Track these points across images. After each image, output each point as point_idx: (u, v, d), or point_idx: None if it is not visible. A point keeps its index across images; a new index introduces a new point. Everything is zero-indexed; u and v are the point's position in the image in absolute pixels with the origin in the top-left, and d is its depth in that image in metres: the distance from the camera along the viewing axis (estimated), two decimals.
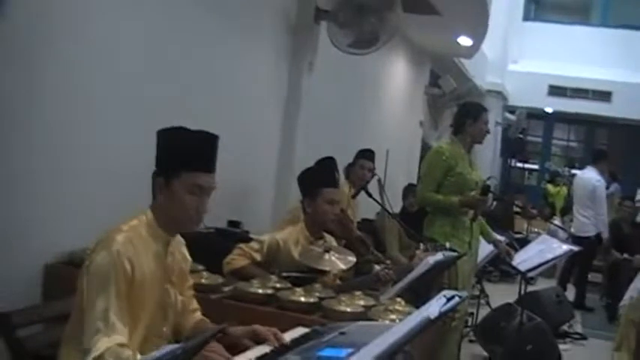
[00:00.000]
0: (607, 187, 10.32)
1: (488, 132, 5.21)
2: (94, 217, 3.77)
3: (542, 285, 8.84)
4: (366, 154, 6.52)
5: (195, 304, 2.96)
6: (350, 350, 2.23)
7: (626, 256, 9.22)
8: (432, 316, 1.96)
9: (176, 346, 1.64)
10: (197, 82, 5.09)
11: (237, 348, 2.60)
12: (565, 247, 5.69)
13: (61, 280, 3.53)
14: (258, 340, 2.66)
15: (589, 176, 9.77)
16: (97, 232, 2.62)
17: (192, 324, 2.90)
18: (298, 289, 3.54)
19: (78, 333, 2.47)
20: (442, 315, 2.02)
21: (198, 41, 5.02)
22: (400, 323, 1.98)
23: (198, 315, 2.95)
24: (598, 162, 9.75)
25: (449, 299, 2.15)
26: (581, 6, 19.86)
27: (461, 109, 5.32)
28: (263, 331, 2.68)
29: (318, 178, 4.34)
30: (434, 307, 2.02)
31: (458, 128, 5.17)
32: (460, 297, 2.25)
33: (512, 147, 17.57)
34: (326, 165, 4.65)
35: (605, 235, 9.49)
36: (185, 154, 2.61)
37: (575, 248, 6.01)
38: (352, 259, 4.00)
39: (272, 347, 2.60)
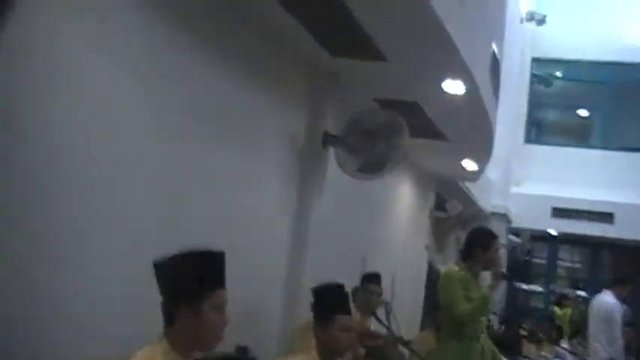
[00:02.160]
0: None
1: (499, 260, 5.23)
2: (98, 325, 3.76)
3: None
4: (373, 278, 6.51)
5: None
6: None
7: None
8: None
9: None
10: (204, 206, 5.09)
11: None
12: None
13: None
14: None
15: (605, 300, 9.65)
16: (102, 339, 2.60)
17: None
18: None
19: None
20: None
21: (204, 166, 5.05)
22: None
23: None
24: (615, 286, 9.68)
25: None
26: (582, 129, 20.20)
27: (470, 235, 5.34)
28: None
29: (332, 303, 4.31)
30: None
31: (467, 255, 5.19)
32: None
33: (518, 269, 17.53)
34: (340, 291, 4.62)
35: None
36: (206, 276, 2.66)
37: None
38: None
39: None
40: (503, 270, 5.27)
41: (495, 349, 5.39)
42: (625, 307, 9.87)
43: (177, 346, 2.65)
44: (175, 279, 2.67)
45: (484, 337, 5.04)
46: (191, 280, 2.66)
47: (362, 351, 5.86)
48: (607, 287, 9.88)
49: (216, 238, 5.06)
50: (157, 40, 4.33)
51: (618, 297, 9.58)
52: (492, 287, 5.04)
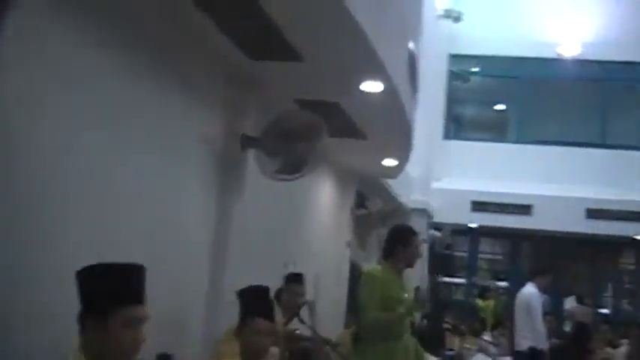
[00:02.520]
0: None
1: (420, 255, 5.25)
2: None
3: None
4: (296, 279, 6.49)
5: None
6: None
7: None
8: None
9: None
10: (123, 214, 4.99)
11: None
12: None
13: None
14: None
15: (526, 291, 10.05)
16: None
17: None
18: None
19: None
20: None
21: (121, 172, 4.94)
22: None
23: None
24: (536, 277, 10.02)
25: None
26: (498, 123, 20.65)
27: (391, 233, 5.37)
28: None
29: (249, 306, 4.30)
30: None
31: (389, 253, 5.21)
32: None
33: (439, 263, 17.79)
34: (252, 295, 4.59)
35: (544, 347, 9.60)
36: (117, 290, 2.59)
37: None
38: None
39: None
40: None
41: (419, 346, 5.43)
42: (545, 296, 10.16)
43: (91, 358, 2.59)
44: (86, 290, 2.62)
45: (407, 336, 5.07)
46: (100, 293, 2.60)
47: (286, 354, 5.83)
48: (527, 278, 10.17)
49: (135, 245, 5.01)
50: (70, 42, 4.21)
51: (539, 288, 9.94)
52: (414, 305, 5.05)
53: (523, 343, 9.80)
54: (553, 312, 11.61)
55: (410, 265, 5.23)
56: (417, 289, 5.16)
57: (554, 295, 14.19)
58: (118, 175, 4.87)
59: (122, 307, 2.57)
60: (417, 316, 11.24)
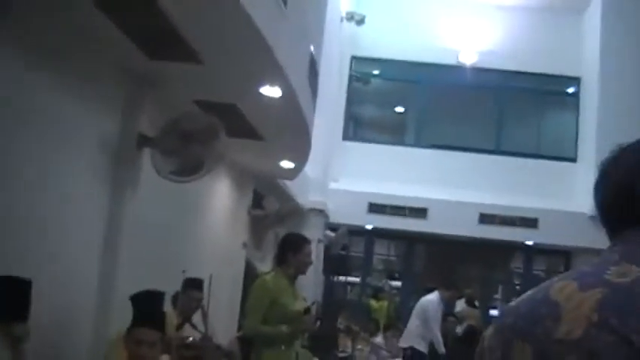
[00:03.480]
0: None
1: (310, 263, 5.27)
2: None
3: None
4: (195, 284, 6.43)
5: None
6: None
7: None
8: None
9: None
10: (10, 211, 4.85)
11: None
12: None
13: None
14: None
15: (427, 298, 10.73)
16: None
17: None
18: None
19: None
20: None
21: (10, 168, 4.81)
22: None
23: None
24: (441, 289, 10.62)
25: None
26: (397, 127, 20.92)
27: (283, 241, 5.40)
28: None
29: (135, 314, 4.23)
30: None
31: (280, 260, 5.23)
32: None
33: (334, 263, 17.89)
34: (142, 302, 4.51)
35: (441, 351, 9.99)
36: None
37: None
38: None
39: None
40: (309, 305, 5.37)
41: (309, 353, 5.46)
42: (442, 305, 10.60)
43: None
44: None
45: (298, 343, 5.08)
46: None
47: None
48: (421, 279, 10.82)
49: (24, 244, 4.87)
50: None
51: (442, 299, 10.56)
52: (301, 325, 5.10)
53: (406, 341, 10.64)
54: (451, 313, 11.91)
55: (301, 272, 5.25)
56: (312, 304, 5.18)
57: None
58: (12, 167, 4.74)
59: (1, 324, 2.47)
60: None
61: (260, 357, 4.99)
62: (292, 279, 5.23)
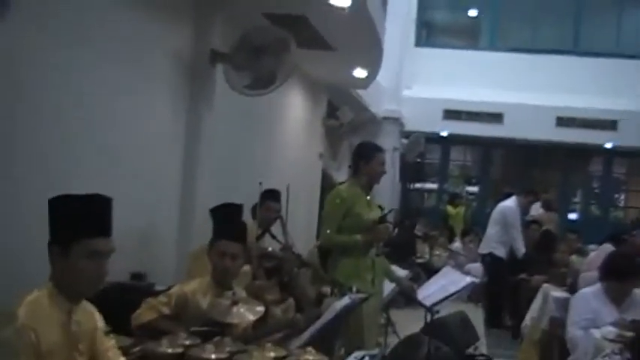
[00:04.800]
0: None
1: (383, 172, 5.26)
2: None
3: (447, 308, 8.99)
4: (272, 195, 6.52)
5: None
6: None
7: (523, 276, 9.48)
8: None
9: None
10: (92, 130, 4.99)
11: None
12: (468, 279, 5.83)
13: None
14: None
15: (504, 204, 10.60)
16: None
17: None
18: (208, 346, 3.50)
19: None
20: None
21: (90, 91, 4.92)
22: None
23: None
24: (521, 196, 10.54)
25: None
26: (471, 31, 20.49)
27: (355, 150, 5.38)
28: None
29: (216, 228, 4.33)
30: None
31: (355, 170, 5.25)
32: (371, 357, 2.30)
33: (411, 171, 17.93)
34: (221, 214, 4.62)
35: (519, 255, 10.08)
36: (80, 222, 2.60)
37: (477, 280, 6.20)
38: (261, 309, 4.00)
39: None
40: (385, 212, 5.37)
41: (386, 260, 5.53)
42: (520, 210, 10.54)
43: (61, 289, 2.64)
44: (52, 220, 2.64)
45: (373, 251, 5.14)
46: (63, 224, 2.61)
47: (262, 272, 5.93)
48: (498, 184, 10.66)
49: (108, 165, 5.03)
50: None
51: (521, 205, 10.43)
52: (377, 234, 5.10)
53: (485, 248, 10.59)
54: (534, 220, 11.83)
55: (374, 181, 5.24)
56: (388, 213, 5.18)
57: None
58: (87, 91, 4.85)
59: (84, 239, 2.58)
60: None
61: (336, 266, 5.08)
62: (366, 188, 5.24)
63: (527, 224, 11.13)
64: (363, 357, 2.18)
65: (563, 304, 6.52)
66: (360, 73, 10.15)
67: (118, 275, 5.05)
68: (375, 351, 2.39)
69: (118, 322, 3.85)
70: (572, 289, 7.15)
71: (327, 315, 3.92)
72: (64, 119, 4.61)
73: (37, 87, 4.30)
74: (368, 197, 5.23)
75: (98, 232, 2.62)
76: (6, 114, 4.05)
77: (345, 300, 4.06)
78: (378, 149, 5.30)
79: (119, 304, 4.27)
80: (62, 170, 4.54)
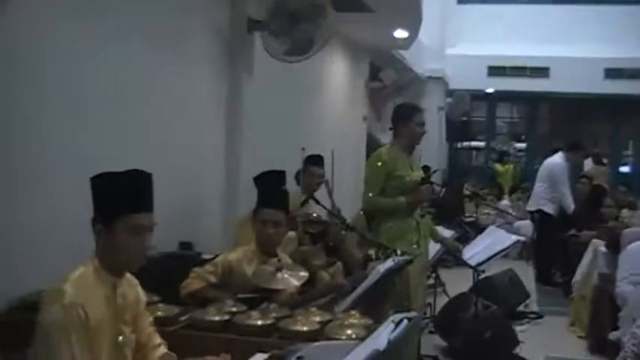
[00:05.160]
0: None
1: (423, 132, 5.23)
2: (43, 260, 3.79)
3: (496, 267, 8.96)
4: (315, 161, 6.54)
5: (157, 340, 3.05)
6: None
7: (573, 232, 9.40)
8: (381, 348, 2.00)
9: None
10: (136, 102, 5.05)
11: None
12: (514, 238, 5.82)
13: (15, 327, 3.50)
14: None
15: (551, 160, 10.55)
16: (46, 274, 2.64)
17: (158, 358, 2.96)
18: (254, 312, 3.57)
19: None
20: (392, 344, 2.06)
21: (130, 64, 4.95)
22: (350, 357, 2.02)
23: (162, 349, 3.03)
24: (568, 151, 10.39)
25: (397, 324, 2.20)
26: None
27: (393, 112, 5.35)
28: None
29: (260, 195, 4.38)
30: (383, 336, 2.06)
31: (394, 131, 5.23)
32: (409, 319, 2.30)
33: (457, 130, 17.81)
34: (264, 182, 4.66)
35: (568, 210, 10.04)
36: (121, 198, 2.66)
37: (523, 238, 6.19)
38: (304, 274, 4.05)
39: None
40: (429, 173, 5.33)
41: (430, 221, 5.53)
42: (568, 166, 10.41)
43: (105, 264, 2.70)
44: (96, 197, 2.70)
45: (417, 212, 5.14)
46: (107, 200, 2.67)
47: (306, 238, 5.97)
48: (546, 140, 10.51)
49: (150, 137, 5.09)
50: None
51: (568, 160, 10.32)
52: (419, 195, 5.07)
53: (533, 204, 10.59)
54: (583, 175, 11.65)
55: (414, 142, 5.21)
56: (432, 173, 5.14)
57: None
58: (126, 64, 4.90)
59: (127, 215, 2.64)
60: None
61: (379, 229, 5.09)
62: (407, 150, 5.22)
63: (577, 179, 11.02)
64: (401, 320, 2.18)
65: (613, 260, 6.47)
66: (400, 34, 10.08)
67: (167, 245, 5.16)
68: (413, 313, 2.39)
69: (167, 292, 3.95)
70: (613, 245, 7.07)
71: (371, 278, 3.95)
72: (106, 93, 4.66)
73: (69, 64, 4.34)
74: (410, 158, 5.21)
75: (139, 207, 2.67)
76: (38, 86, 4.10)
77: (389, 263, 4.08)
78: (417, 109, 5.27)
79: (168, 273, 4.38)
80: (110, 144, 4.61)
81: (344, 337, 3.26)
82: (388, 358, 1.99)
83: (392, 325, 2.13)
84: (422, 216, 5.17)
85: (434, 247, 5.94)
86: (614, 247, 6.84)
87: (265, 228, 4.20)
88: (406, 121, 5.13)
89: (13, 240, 3.81)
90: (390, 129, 5.40)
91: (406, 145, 5.17)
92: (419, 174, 5.24)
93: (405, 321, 2.22)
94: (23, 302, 3.70)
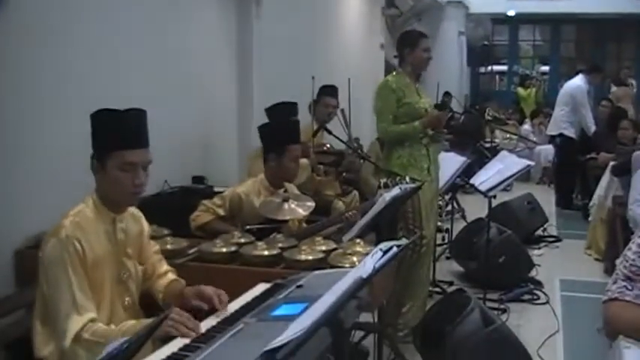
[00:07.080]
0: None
1: (429, 58, 5.19)
2: (58, 198, 3.87)
3: (518, 192, 8.96)
4: (329, 91, 6.53)
5: (164, 267, 3.11)
6: (304, 305, 2.34)
7: (592, 155, 9.36)
8: (365, 275, 2.04)
9: (121, 340, 1.75)
10: (147, 41, 5.07)
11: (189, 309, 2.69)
12: (524, 162, 5.82)
13: (32, 264, 3.60)
14: (205, 299, 2.76)
15: (571, 83, 10.45)
16: (61, 212, 2.72)
17: (164, 286, 3.04)
18: (260, 243, 3.63)
19: (48, 321, 2.62)
20: (377, 271, 2.10)
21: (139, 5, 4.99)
22: (335, 285, 2.06)
23: (170, 276, 3.09)
24: (589, 73, 10.27)
25: (385, 252, 2.25)
26: None
27: (399, 39, 5.29)
28: (207, 291, 2.78)
29: (284, 134, 4.38)
30: (368, 264, 2.09)
31: (400, 59, 5.20)
32: (398, 247, 2.35)
33: (478, 55, 17.61)
34: (275, 113, 4.68)
35: (589, 132, 10.02)
36: (112, 134, 2.70)
37: (532, 163, 6.19)
38: (311, 204, 4.10)
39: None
40: (446, 99, 5.28)
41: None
42: (590, 88, 10.28)
43: (103, 200, 2.77)
44: (93, 134, 2.75)
45: (427, 139, 5.14)
46: (100, 137, 2.72)
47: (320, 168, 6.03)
48: (570, 62, 10.35)
49: (164, 75, 5.13)
50: None
51: (589, 82, 10.20)
52: (436, 119, 5.05)
53: (554, 128, 10.47)
54: (605, 97, 11.50)
55: (420, 68, 5.15)
56: (442, 103, 5.10)
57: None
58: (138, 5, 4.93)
59: (117, 151, 2.68)
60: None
61: (391, 157, 5.10)
62: (414, 77, 5.19)
63: (599, 102, 10.91)
64: (391, 247, 2.23)
65: (629, 182, 6.46)
66: None
67: (181, 180, 5.25)
68: (403, 241, 2.43)
69: (179, 225, 4.03)
70: (615, 171, 7.06)
71: (377, 207, 3.96)
72: (117, 34, 4.69)
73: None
74: (417, 85, 5.19)
75: (131, 144, 2.71)
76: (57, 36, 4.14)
77: (395, 190, 4.09)
78: (422, 35, 5.20)
79: (180, 206, 4.46)
80: (122, 81, 4.66)
81: (347, 265, 3.30)
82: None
83: (379, 253, 2.17)
84: (435, 140, 5.14)
85: (446, 173, 5.95)
86: (617, 173, 6.87)
87: (297, 164, 4.28)
88: (412, 47, 5.07)
89: (27, 177, 3.89)
90: (395, 56, 5.37)
91: (412, 71, 5.13)
92: (427, 100, 5.20)
93: (394, 248, 2.27)
94: (38, 241, 3.81)
